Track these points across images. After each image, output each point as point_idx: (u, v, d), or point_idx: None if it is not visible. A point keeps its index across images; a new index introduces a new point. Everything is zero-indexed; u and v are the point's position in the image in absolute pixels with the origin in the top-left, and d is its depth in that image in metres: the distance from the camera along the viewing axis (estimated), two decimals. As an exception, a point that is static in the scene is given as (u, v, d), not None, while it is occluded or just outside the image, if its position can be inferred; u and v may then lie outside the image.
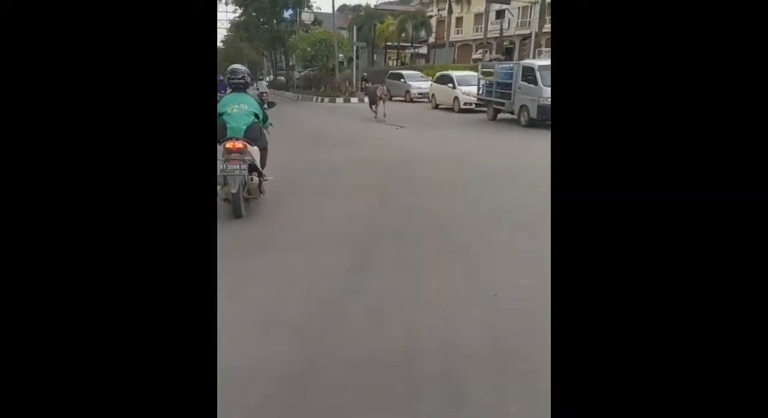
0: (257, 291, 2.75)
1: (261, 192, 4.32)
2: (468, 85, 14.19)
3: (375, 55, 44.12)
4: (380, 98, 12.26)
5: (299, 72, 30.60)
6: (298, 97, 23.87)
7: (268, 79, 42.29)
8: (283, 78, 33.21)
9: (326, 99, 21.29)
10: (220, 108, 3.98)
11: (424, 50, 44.62)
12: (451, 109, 14.81)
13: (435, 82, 16.41)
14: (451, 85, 14.84)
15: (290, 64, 30.13)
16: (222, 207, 3.92)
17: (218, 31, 42.99)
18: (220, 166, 3.69)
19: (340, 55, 24.12)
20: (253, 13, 27.27)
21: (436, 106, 15.95)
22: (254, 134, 4.04)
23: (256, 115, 4.12)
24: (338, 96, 21.71)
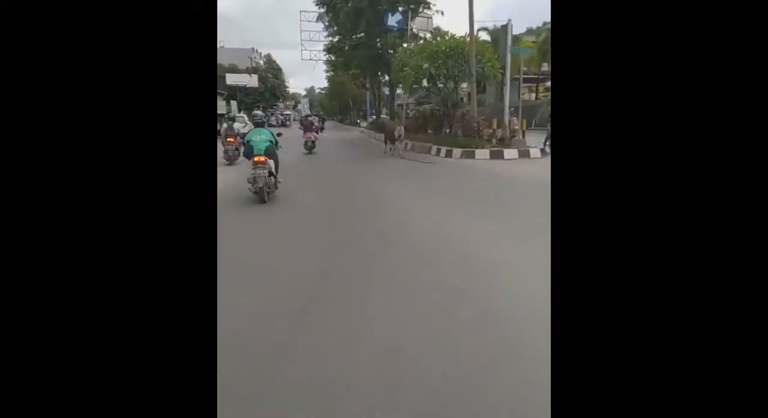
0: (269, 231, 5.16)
1: (276, 188, 6.91)
2: None
3: (504, 89, 34.51)
4: (398, 138, 12.40)
5: (411, 109, 20.55)
6: (406, 146, 14.40)
7: (370, 119, 34.33)
8: (386, 117, 23.67)
9: (457, 151, 11.77)
10: (247, 137, 6.86)
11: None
12: None
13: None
14: None
15: (395, 93, 21.18)
16: (253, 197, 6.58)
17: (318, 63, 37.48)
18: (250, 171, 6.52)
19: (479, 69, 14.13)
20: (347, 24, 18.75)
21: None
22: (270, 152, 6.72)
23: (270, 141, 6.83)
24: (479, 146, 12.04)
